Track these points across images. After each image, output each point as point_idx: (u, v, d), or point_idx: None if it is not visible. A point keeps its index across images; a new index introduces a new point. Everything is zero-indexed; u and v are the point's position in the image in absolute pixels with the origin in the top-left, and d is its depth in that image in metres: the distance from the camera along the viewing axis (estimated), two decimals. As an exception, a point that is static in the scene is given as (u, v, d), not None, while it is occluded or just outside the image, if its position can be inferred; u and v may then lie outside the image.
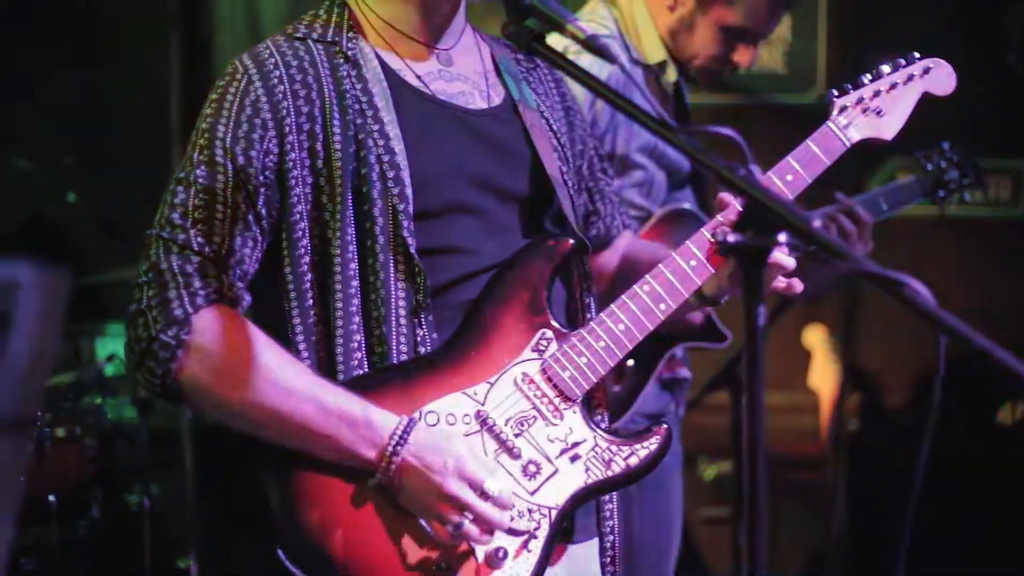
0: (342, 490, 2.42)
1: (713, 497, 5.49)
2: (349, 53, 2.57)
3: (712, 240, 2.56)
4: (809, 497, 5.52)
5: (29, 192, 5.59)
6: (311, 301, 2.48)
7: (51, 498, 4.38)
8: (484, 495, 2.39)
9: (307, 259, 2.48)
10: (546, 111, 2.73)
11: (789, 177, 2.64)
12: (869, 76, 2.73)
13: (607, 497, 2.66)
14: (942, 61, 2.77)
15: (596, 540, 2.67)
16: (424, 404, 2.46)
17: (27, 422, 1.52)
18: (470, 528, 2.39)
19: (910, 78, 2.74)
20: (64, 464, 4.47)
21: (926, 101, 2.77)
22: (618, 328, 2.54)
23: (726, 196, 2.59)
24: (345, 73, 2.54)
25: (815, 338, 5.38)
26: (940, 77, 2.76)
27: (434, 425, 2.45)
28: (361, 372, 2.46)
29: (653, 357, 3.62)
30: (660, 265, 2.57)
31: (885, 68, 2.74)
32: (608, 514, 2.68)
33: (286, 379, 2.41)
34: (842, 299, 5.34)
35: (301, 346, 2.47)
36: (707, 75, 3.86)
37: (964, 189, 4.03)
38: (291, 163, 2.48)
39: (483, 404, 2.49)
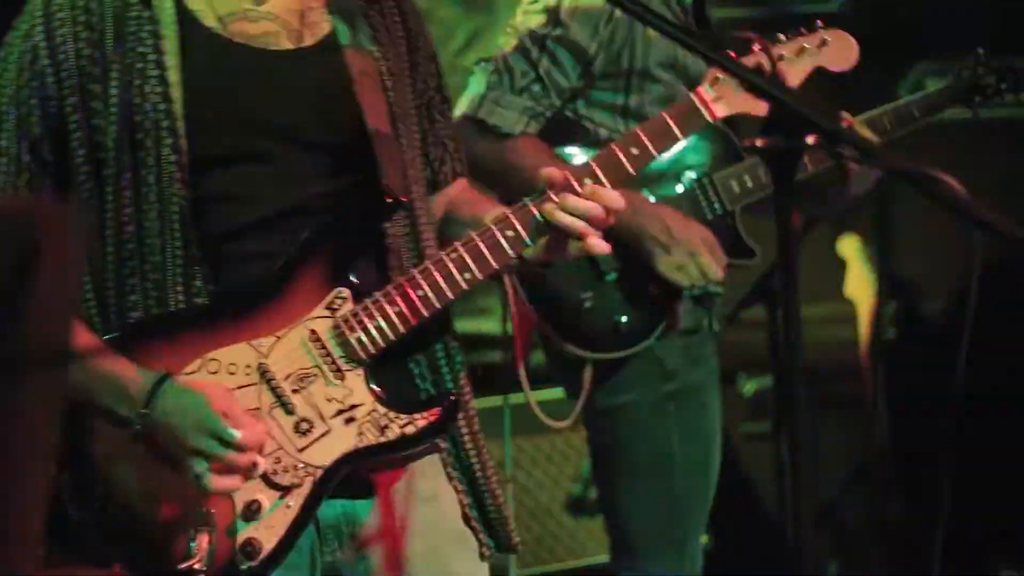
0: (119, 437, 2.43)
1: (753, 412, 5.48)
2: None
3: (538, 214, 2.50)
4: (849, 408, 5.49)
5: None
6: (93, 246, 2.49)
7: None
8: (226, 444, 2.38)
9: (91, 203, 2.49)
10: (379, 50, 2.64)
11: (634, 151, 2.54)
12: (759, 45, 2.58)
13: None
14: (844, 34, 2.63)
15: (438, 456, 2.65)
16: (208, 352, 2.46)
17: (60, 356, 1.51)
18: (212, 478, 2.38)
19: (801, 51, 2.62)
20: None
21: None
22: (416, 294, 2.49)
23: (552, 172, 2.51)
24: (135, 15, 2.52)
25: (849, 247, 5.34)
26: (838, 51, 2.63)
27: (214, 373, 2.45)
28: (136, 315, 2.48)
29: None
30: (473, 234, 2.51)
31: (780, 37, 2.63)
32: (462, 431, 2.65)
33: None
34: (875, 206, 5.29)
35: (86, 288, 2.50)
36: None
37: (1002, 94, 3.95)
38: (71, 107, 2.50)
39: (266, 357, 2.47)
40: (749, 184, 3.62)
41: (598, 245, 2.52)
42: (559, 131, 3.62)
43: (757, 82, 2.07)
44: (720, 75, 2.56)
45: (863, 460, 5.35)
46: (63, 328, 1.51)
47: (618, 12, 3.49)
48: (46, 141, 2.51)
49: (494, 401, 4.45)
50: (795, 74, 2.61)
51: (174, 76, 2.49)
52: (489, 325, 5.75)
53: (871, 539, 5.26)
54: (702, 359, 3.69)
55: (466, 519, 2.65)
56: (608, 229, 2.52)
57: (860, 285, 5.30)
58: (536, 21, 3.58)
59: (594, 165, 2.53)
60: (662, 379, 3.62)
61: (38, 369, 1.47)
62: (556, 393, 3.90)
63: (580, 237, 2.50)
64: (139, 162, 2.47)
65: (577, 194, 2.50)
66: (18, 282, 1.43)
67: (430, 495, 2.62)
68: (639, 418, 3.62)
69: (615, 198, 2.51)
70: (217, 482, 2.39)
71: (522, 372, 3.68)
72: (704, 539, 3.88)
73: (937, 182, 1.93)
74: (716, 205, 3.62)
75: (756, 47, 2.52)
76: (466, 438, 2.66)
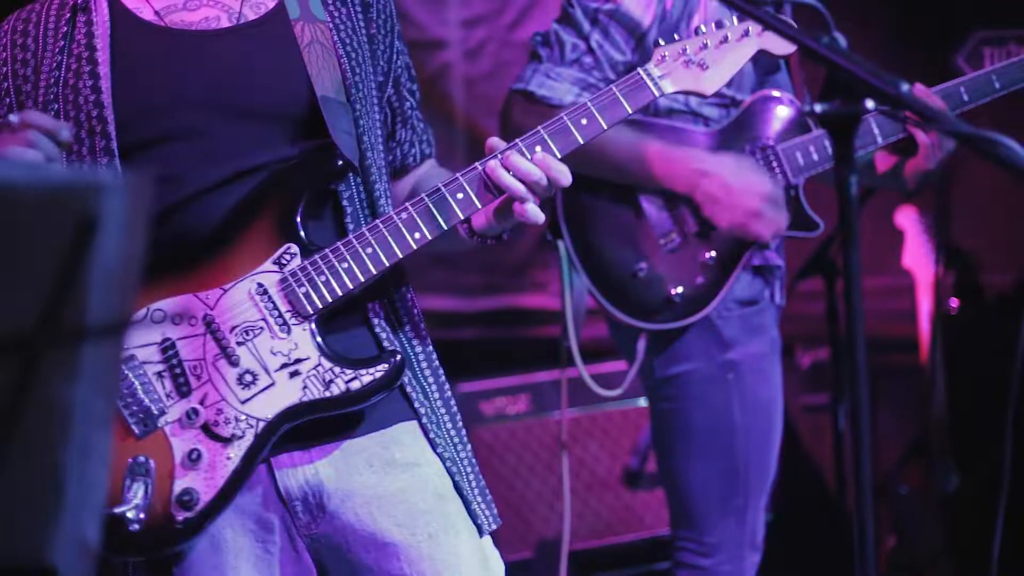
0: None
1: (812, 385, 5.45)
2: (79, 2, 2.60)
3: (484, 176, 2.53)
4: (909, 380, 5.46)
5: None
6: None
7: None
8: (12, 127, 2.39)
9: None
10: (335, 23, 2.66)
11: (584, 121, 2.58)
12: (704, 27, 2.66)
13: (414, 379, 2.63)
14: (786, 20, 2.66)
15: (414, 423, 2.63)
16: (152, 303, 2.49)
17: (121, 326, 1.52)
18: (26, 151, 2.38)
19: (744, 34, 2.66)
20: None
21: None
22: (365, 251, 2.51)
23: (494, 141, 2.56)
24: (67, 22, 2.60)
25: (907, 218, 5.30)
26: (779, 37, 2.64)
27: (159, 322, 2.49)
28: None
29: (738, 248, 3.58)
30: (423, 194, 2.54)
31: (724, 21, 2.67)
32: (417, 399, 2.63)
33: None
34: (939, 176, 5.24)
35: None
36: None
37: None
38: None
39: (212, 309, 2.49)
40: (814, 156, 3.59)
41: (534, 212, 2.53)
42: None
43: (812, 46, 2.05)
44: (666, 52, 2.64)
45: (921, 433, 5.31)
46: (125, 300, 1.51)
47: None
48: None
49: (551, 375, 4.45)
50: (737, 57, 2.68)
51: (103, 69, 2.55)
52: (546, 300, 5.75)
53: (929, 512, 5.22)
54: (762, 330, 3.67)
55: (458, 488, 2.63)
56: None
57: (918, 256, 5.26)
58: (588, -5, 3.56)
59: (543, 133, 2.56)
60: (720, 349, 3.60)
61: (101, 339, 1.48)
62: (621, 366, 3.89)
63: (520, 200, 2.52)
64: (74, 153, 2.53)
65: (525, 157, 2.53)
66: (80, 253, 1.44)
67: (409, 462, 2.60)
68: (698, 387, 3.61)
69: (561, 170, 2.54)
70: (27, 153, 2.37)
71: (573, 342, 3.68)
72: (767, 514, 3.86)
73: (1000, 145, 1.91)
74: (779, 176, 3.59)
75: None
76: (439, 404, 2.66)
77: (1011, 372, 3.28)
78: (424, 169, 2.85)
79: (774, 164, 3.59)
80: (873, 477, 6.01)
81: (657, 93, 2.63)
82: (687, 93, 2.68)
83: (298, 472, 2.54)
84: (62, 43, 2.59)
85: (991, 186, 5.33)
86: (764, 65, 3.62)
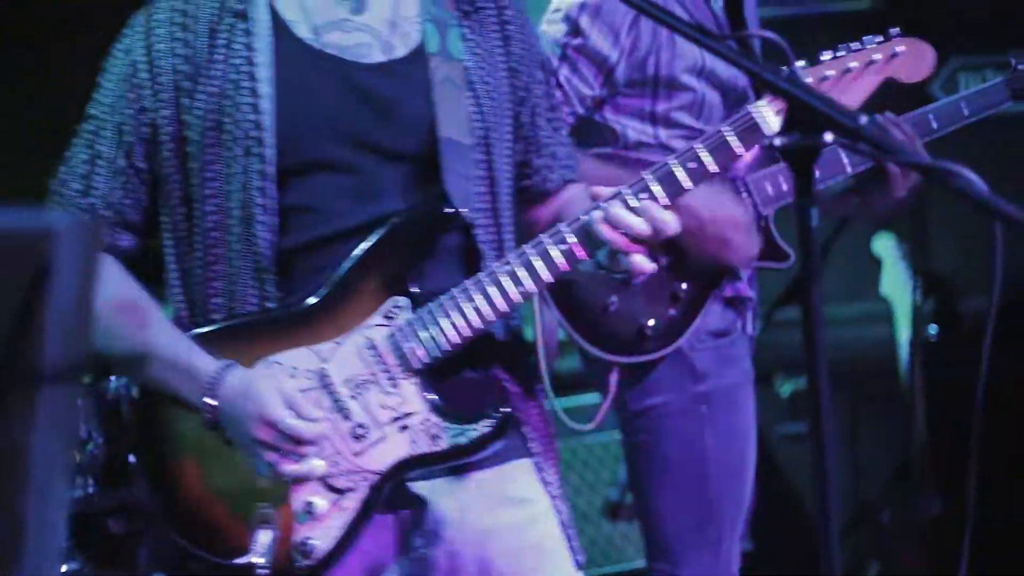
0: (188, 429, 2.54)
1: (791, 413, 5.46)
2: (239, 7, 2.60)
3: (588, 227, 2.50)
4: (889, 406, 5.47)
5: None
6: (184, 249, 2.61)
7: (130, 458, 4.42)
8: (288, 435, 2.44)
9: (180, 210, 2.61)
10: (472, 60, 2.67)
11: (692, 165, 2.52)
12: (829, 54, 2.55)
13: (529, 424, 2.68)
14: (919, 43, 2.57)
15: (530, 461, 2.69)
16: (271, 355, 2.53)
17: (75, 370, 1.52)
18: (284, 466, 2.45)
19: (870, 63, 2.56)
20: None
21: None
22: (469, 306, 2.52)
23: (598, 189, 2.53)
24: (228, 27, 2.59)
25: (884, 246, 5.32)
26: (911, 62, 2.57)
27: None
28: (218, 317, 2.57)
29: (710, 280, 3.59)
30: (525, 246, 2.54)
31: (854, 46, 2.55)
32: (534, 439, 2.69)
33: (128, 323, 2.56)
34: (910, 204, 5.26)
35: (176, 291, 2.63)
36: None
37: None
38: (164, 119, 2.60)
39: (326, 362, 2.53)
40: (784, 186, 3.60)
41: (639, 264, 2.50)
42: (590, 134, 3.61)
43: (773, 80, 2.06)
44: None
45: (903, 459, 5.32)
46: (79, 343, 1.52)
47: (642, 19, 3.48)
48: (140, 149, 2.61)
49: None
50: (862, 88, 2.54)
51: (264, 88, 2.56)
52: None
53: (911, 538, 5.22)
54: (734, 361, 3.67)
55: (563, 526, 2.69)
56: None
57: (896, 283, 5.27)
58: (556, 30, 3.57)
59: (648, 178, 2.52)
60: (693, 381, 3.60)
61: (54, 384, 1.48)
62: (595, 398, 3.90)
63: (624, 252, 2.50)
64: (226, 172, 2.56)
65: (628, 207, 2.49)
66: (34, 297, 1.45)
67: (522, 498, 2.66)
68: (671, 420, 3.60)
69: (666, 218, 2.48)
70: (286, 468, 2.45)
71: (545, 375, 3.68)
72: (744, 544, 3.86)
73: (958, 176, 1.92)
74: (749, 207, 3.60)
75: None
76: (548, 444, 2.72)
77: (985, 398, 3.29)
78: (567, 195, 2.83)
79: (744, 195, 3.60)
80: (855, 503, 6.03)
81: (769, 132, 2.53)
82: None
83: (414, 497, 2.60)
84: (223, 52, 2.59)
85: (969, 212, 5.34)
86: (731, 99, 3.64)
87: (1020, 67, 3.70)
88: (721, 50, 2.22)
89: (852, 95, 2.53)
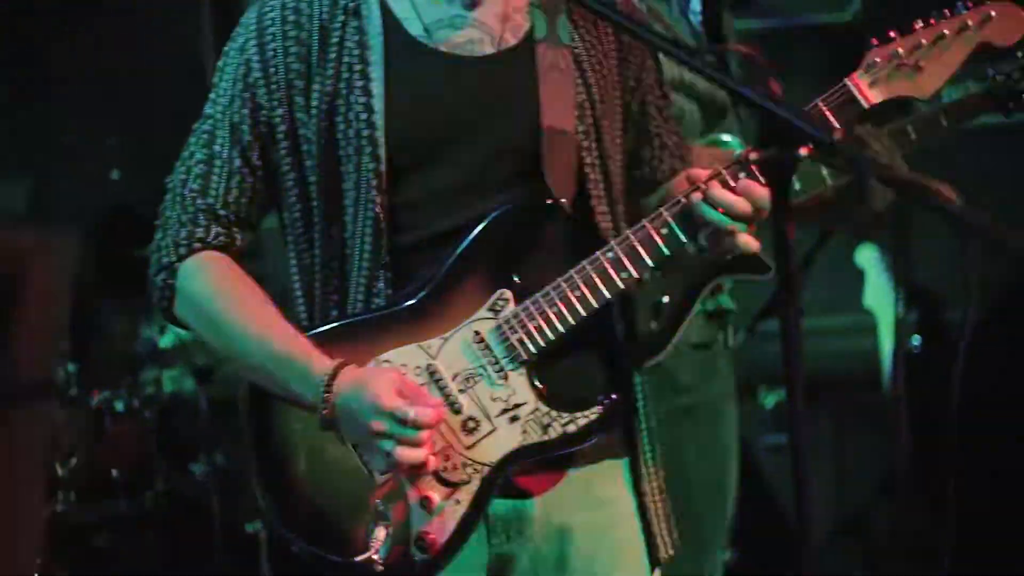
0: (304, 428, 2.56)
1: (775, 425, 5.47)
2: (351, 4, 2.61)
3: (688, 209, 2.50)
4: (873, 418, 5.48)
5: (81, 170, 5.65)
6: (303, 246, 2.64)
7: (114, 473, 4.42)
8: (403, 422, 2.45)
9: (297, 207, 2.64)
10: (582, 46, 2.67)
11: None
12: (921, 22, 2.50)
13: (640, 416, 2.70)
14: (1009, 4, 2.50)
15: (621, 461, 2.70)
16: (381, 353, 2.55)
17: (46, 385, 1.53)
18: (401, 453, 2.46)
19: (963, 28, 2.50)
20: (125, 439, 4.53)
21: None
22: (574, 295, 2.53)
23: (695, 172, 2.53)
24: (340, 25, 2.61)
25: (867, 257, 5.33)
26: (1004, 25, 2.49)
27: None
28: (335, 316, 2.61)
29: (692, 291, 3.58)
30: (628, 231, 2.54)
31: (946, 12, 2.49)
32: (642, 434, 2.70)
33: (245, 321, 2.60)
34: (892, 215, 5.28)
35: (296, 288, 2.67)
36: (741, 3, 3.81)
37: None
38: (279, 118, 2.62)
39: (434, 358, 2.54)
40: None
41: (744, 242, 2.53)
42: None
43: (747, 94, 2.07)
44: (877, 58, 2.49)
45: (887, 470, 5.33)
46: (48, 357, 1.52)
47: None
48: (256, 148, 2.64)
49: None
50: (955, 54, 2.50)
51: (377, 88, 2.58)
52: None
53: (896, 549, 5.23)
54: (716, 374, 3.68)
55: (647, 524, 2.70)
56: None
57: (879, 295, 5.29)
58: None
59: (751, 157, 2.49)
60: (675, 393, 3.61)
61: (25, 397, 1.48)
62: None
63: (727, 232, 2.51)
64: (340, 170, 2.59)
65: (727, 187, 2.49)
66: (2, 312, 1.45)
67: (606, 499, 2.67)
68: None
69: (764, 194, 2.47)
70: (403, 454, 2.46)
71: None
72: (728, 554, 3.86)
73: (929, 192, 1.93)
74: None
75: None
76: (650, 435, 2.73)
77: (970, 408, 3.30)
78: (675, 183, 2.78)
79: None
80: (841, 515, 6.02)
81: (867, 104, 2.51)
82: (901, 98, 2.52)
83: (521, 492, 2.61)
84: (335, 50, 2.60)
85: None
86: (711, 111, 3.65)
87: (999, 77, 3.71)
88: (697, 64, 2.24)
89: (946, 62, 2.51)
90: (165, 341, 4.93)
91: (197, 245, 2.64)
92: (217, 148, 2.64)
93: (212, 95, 2.68)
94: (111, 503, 4.39)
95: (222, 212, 2.64)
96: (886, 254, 5.28)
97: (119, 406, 4.47)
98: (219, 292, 2.63)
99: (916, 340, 5.41)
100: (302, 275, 2.66)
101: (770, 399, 5.28)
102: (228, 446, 5.18)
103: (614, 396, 2.58)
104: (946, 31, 2.50)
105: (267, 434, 2.62)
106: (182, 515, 4.80)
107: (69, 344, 4.64)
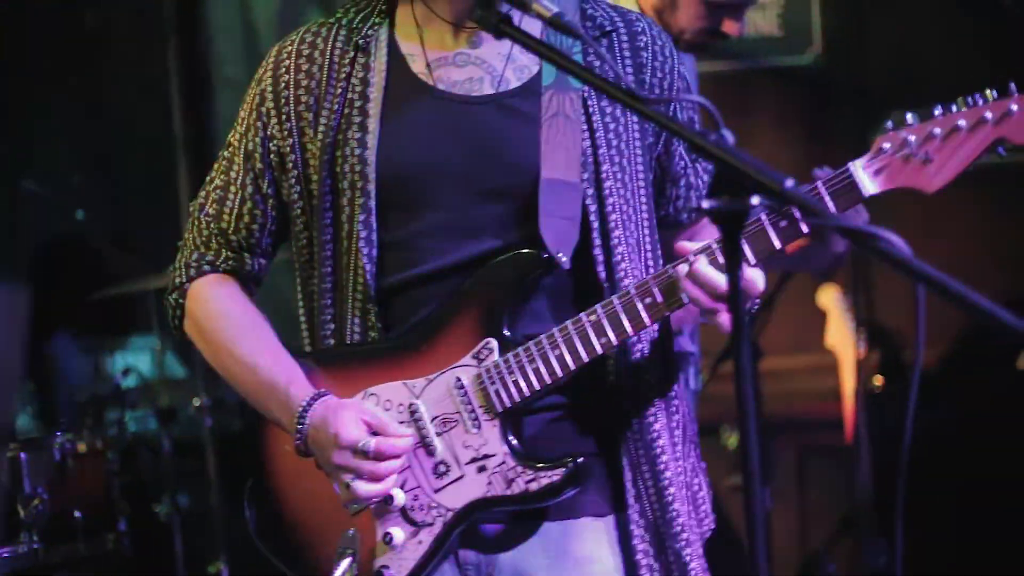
0: (287, 453, 2.64)
1: (737, 465, 5.48)
2: (361, 42, 2.65)
3: (672, 278, 2.49)
4: (835, 458, 5.50)
5: (40, 212, 5.64)
6: (307, 273, 2.70)
7: (77, 514, 4.40)
8: (365, 454, 2.51)
9: (303, 236, 2.70)
10: (593, 91, 2.61)
11: (784, 224, 2.45)
12: (939, 110, 2.38)
13: (627, 475, 2.61)
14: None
15: (603, 520, 2.64)
16: (368, 386, 2.61)
17: (6, 427, 1.53)
18: (359, 487, 2.53)
19: (980, 122, 2.38)
20: (88, 479, 4.50)
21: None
22: (553, 354, 2.53)
23: (684, 244, 2.51)
24: (349, 61, 2.65)
25: (829, 298, 5.36)
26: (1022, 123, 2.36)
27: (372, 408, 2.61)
28: (329, 343, 2.67)
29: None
30: (614, 298, 2.52)
31: (969, 100, 2.38)
32: (632, 490, 2.62)
33: (237, 346, 2.70)
34: (854, 256, 5.32)
35: (301, 313, 2.73)
36: (699, 47, 3.84)
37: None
38: (288, 148, 2.68)
39: (417, 398, 2.59)
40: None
41: (720, 322, 2.49)
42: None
43: (699, 142, 2.09)
44: (887, 144, 2.43)
45: (849, 508, 5.35)
46: (9, 400, 1.52)
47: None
48: (268, 176, 2.72)
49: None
50: (969, 149, 2.39)
51: (373, 124, 2.62)
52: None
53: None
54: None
55: None
56: None
57: (841, 335, 5.32)
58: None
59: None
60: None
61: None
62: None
63: (707, 311, 2.48)
64: (336, 203, 2.64)
65: (715, 264, 2.45)
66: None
67: (583, 557, 2.62)
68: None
69: (753, 277, 2.47)
70: (361, 489, 2.53)
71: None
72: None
73: (880, 240, 1.95)
74: None
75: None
76: (650, 491, 2.62)
77: (928, 447, 3.32)
78: (698, 228, 2.80)
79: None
80: (802, 556, 6.04)
81: (867, 195, 2.45)
82: (904, 190, 2.44)
83: (478, 539, 2.62)
84: (343, 84, 2.65)
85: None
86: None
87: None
88: (650, 113, 2.25)
89: (959, 157, 2.39)
90: (128, 382, 4.93)
91: (207, 268, 2.75)
92: (233, 175, 2.74)
93: (235, 124, 2.77)
94: (74, 545, 4.37)
95: (233, 237, 2.74)
96: (848, 294, 5.32)
97: (82, 447, 4.46)
98: (218, 314, 2.73)
99: (878, 380, 5.44)
100: (306, 301, 2.71)
101: (732, 439, 5.30)
102: (191, 487, 5.18)
103: (580, 459, 2.54)
104: (962, 123, 2.39)
105: (256, 452, 2.71)
106: (145, 556, 4.79)
107: (31, 386, 4.69)
